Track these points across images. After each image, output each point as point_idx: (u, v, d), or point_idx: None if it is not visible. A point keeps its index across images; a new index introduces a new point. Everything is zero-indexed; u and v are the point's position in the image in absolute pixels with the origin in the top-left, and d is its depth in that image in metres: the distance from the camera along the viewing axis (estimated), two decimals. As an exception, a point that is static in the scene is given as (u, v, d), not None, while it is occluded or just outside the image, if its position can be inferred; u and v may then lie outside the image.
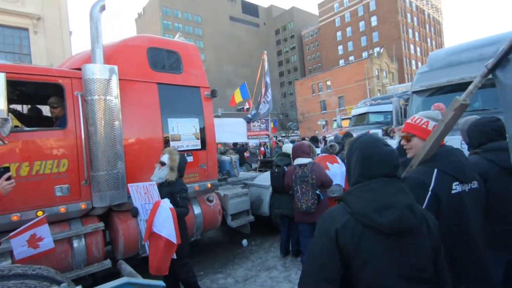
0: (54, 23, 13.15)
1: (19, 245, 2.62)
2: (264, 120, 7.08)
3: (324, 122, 32.34)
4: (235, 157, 5.99)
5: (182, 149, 4.11)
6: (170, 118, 4.07)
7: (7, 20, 12.14)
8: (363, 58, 47.10)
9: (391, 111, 6.68)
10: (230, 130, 6.68)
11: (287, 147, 4.99)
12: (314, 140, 7.72)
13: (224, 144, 7.41)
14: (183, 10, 66.38)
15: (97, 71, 3.39)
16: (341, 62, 57.79)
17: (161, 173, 3.16)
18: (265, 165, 6.95)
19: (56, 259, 3.18)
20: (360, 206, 1.12)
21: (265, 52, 7.47)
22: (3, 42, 12.18)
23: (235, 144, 11.14)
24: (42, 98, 4.07)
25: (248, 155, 10.97)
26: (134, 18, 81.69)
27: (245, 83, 8.10)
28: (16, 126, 3.81)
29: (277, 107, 43.07)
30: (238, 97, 8.15)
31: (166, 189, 3.14)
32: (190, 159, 4.13)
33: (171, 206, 2.93)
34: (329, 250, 1.10)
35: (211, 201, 4.58)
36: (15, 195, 2.96)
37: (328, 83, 45.29)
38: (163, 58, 4.15)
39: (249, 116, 7.14)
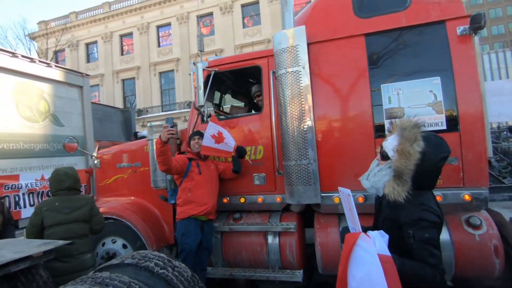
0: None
1: (209, 133, 2.89)
2: None
3: None
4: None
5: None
6: (386, 83, 2.60)
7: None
8: None
9: None
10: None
11: None
12: None
13: None
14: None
15: (283, 39, 2.78)
16: None
17: (375, 176, 1.56)
18: None
19: (253, 250, 3.03)
20: None
21: None
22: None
23: None
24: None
25: None
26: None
27: None
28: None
29: None
30: None
31: (388, 210, 1.53)
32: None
33: (387, 252, 1.29)
34: None
35: (476, 227, 2.49)
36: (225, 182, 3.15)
37: None
38: (377, -5, 2.74)
39: None
